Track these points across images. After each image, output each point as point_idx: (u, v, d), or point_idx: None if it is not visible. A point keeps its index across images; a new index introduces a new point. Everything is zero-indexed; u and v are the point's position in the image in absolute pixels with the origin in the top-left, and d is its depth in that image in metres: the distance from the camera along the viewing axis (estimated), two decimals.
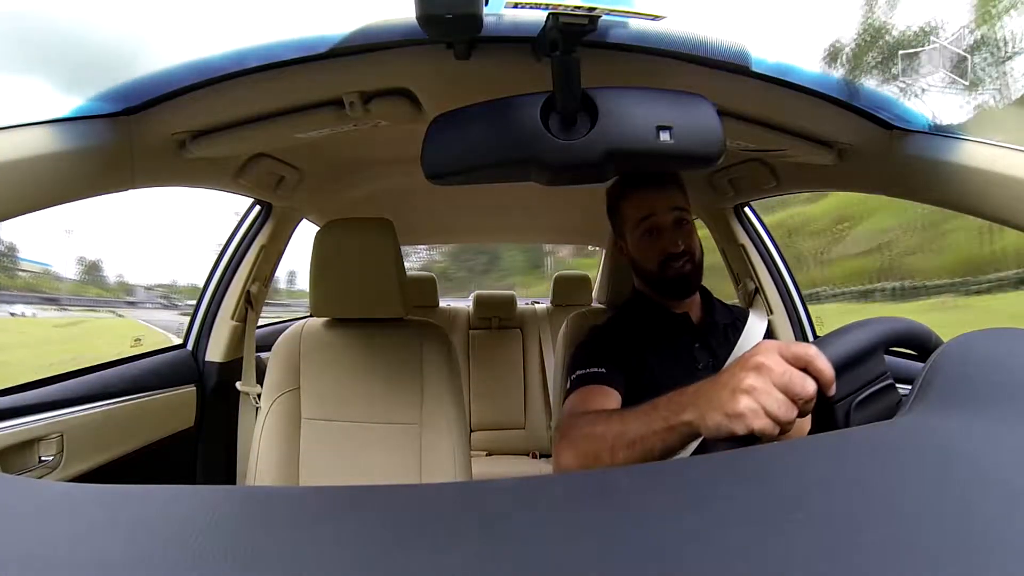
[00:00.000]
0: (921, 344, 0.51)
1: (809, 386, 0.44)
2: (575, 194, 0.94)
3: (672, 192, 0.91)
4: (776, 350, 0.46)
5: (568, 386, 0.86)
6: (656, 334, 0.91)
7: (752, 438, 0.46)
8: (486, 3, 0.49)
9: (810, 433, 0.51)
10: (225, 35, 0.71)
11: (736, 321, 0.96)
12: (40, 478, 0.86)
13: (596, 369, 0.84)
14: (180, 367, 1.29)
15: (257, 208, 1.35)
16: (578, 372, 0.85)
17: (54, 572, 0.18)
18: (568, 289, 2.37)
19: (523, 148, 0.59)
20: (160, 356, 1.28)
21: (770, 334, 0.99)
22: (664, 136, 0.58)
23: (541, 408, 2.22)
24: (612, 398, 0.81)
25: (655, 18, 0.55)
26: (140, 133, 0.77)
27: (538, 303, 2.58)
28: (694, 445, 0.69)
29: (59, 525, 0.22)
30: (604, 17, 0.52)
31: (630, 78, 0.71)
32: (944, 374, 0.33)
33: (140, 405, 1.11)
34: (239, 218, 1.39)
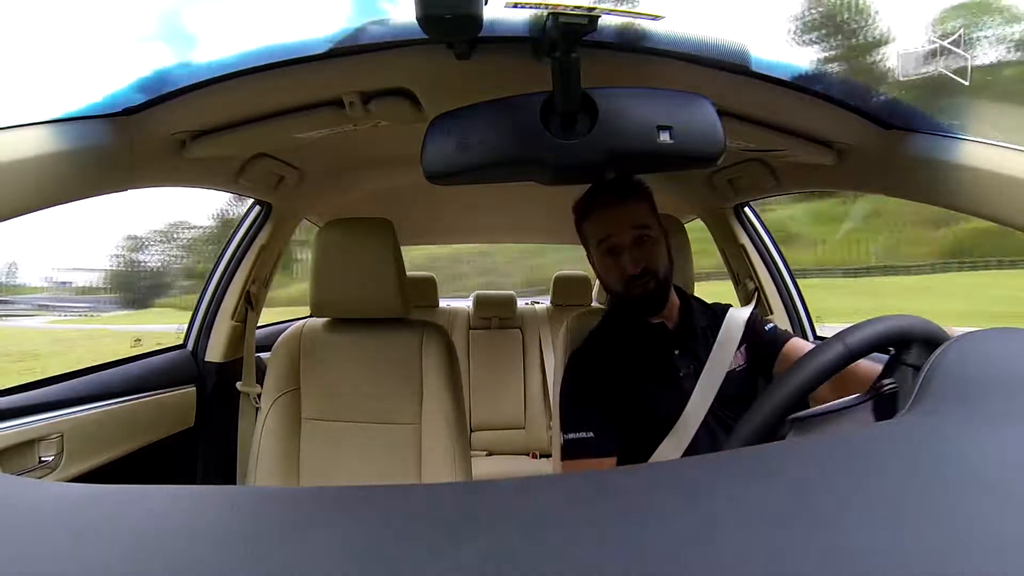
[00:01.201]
0: (927, 340, 0.51)
1: None
2: (575, 194, 0.93)
3: (632, 207, 0.88)
4: None
5: (562, 442, 0.87)
6: (635, 349, 0.91)
7: None
8: (486, 3, 0.49)
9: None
10: (225, 35, 0.71)
11: (717, 321, 0.95)
12: (40, 478, 0.86)
13: (585, 434, 0.84)
14: (180, 367, 1.29)
15: (257, 208, 1.35)
16: (569, 436, 0.86)
17: (54, 572, 0.18)
18: (568, 289, 2.37)
19: (523, 148, 0.59)
20: (160, 356, 1.28)
21: (752, 321, 0.96)
22: (664, 136, 0.58)
23: (541, 408, 2.22)
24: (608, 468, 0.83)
25: (655, 18, 0.55)
26: (140, 133, 0.77)
27: (538, 303, 2.58)
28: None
29: (59, 525, 0.22)
30: (604, 17, 0.52)
31: (630, 78, 0.71)
32: (944, 373, 0.33)
33: (140, 405, 1.11)
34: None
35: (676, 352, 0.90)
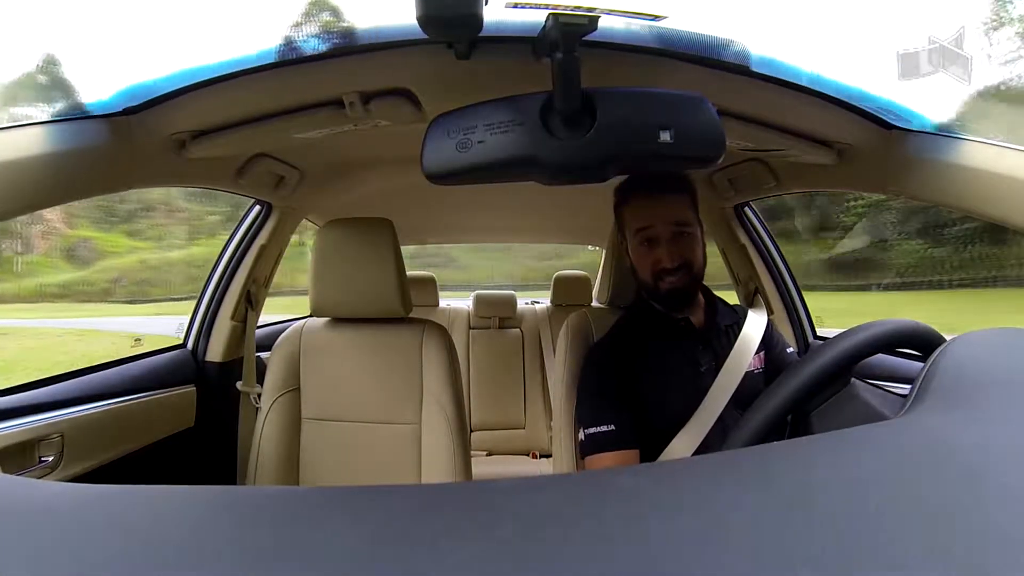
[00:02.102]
0: (923, 343, 0.51)
1: None
2: (575, 194, 0.93)
3: (676, 201, 0.88)
4: None
5: (582, 438, 0.87)
6: (658, 342, 0.91)
7: None
8: (486, 3, 0.49)
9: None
10: (225, 35, 0.71)
11: (739, 321, 0.96)
12: (40, 478, 0.86)
13: (606, 427, 0.84)
14: (180, 367, 1.29)
15: (257, 208, 1.35)
16: (589, 430, 0.86)
17: (54, 572, 0.18)
18: (568, 289, 2.37)
19: (523, 148, 0.59)
20: (160, 356, 1.28)
21: (771, 328, 0.98)
22: (664, 136, 0.58)
23: (541, 408, 2.22)
24: (629, 461, 0.83)
25: (655, 18, 0.55)
26: (140, 133, 0.77)
27: (538, 303, 2.58)
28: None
29: (59, 525, 0.22)
30: (604, 17, 0.52)
31: (630, 78, 0.71)
32: (944, 373, 0.33)
33: (140, 405, 1.11)
34: None
35: (699, 348, 0.90)
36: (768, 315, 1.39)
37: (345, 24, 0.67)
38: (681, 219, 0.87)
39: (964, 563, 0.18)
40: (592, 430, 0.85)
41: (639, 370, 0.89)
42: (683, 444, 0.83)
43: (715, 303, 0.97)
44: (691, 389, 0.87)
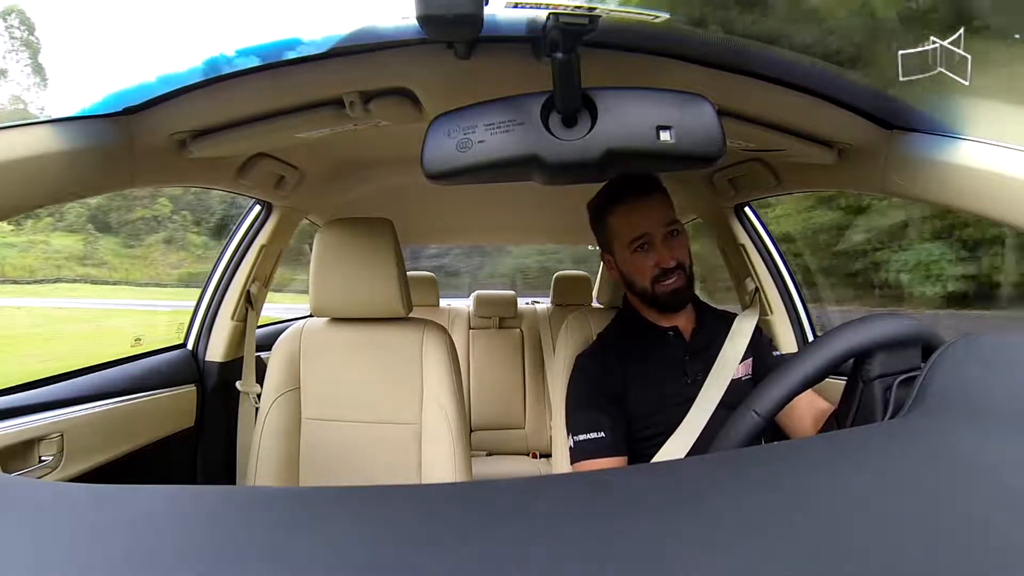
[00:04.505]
0: (923, 344, 0.51)
1: None
2: (575, 194, 0.93)
3: (660, 202, 0.88)
4: None
5: (571, 444, 0.87)
6: (646, 353, 0.91)
7: None
8: (486, 3, 0.49)
9: (836, 408, 0.52)
10: (225, 35, 0.71)
11: (726, 328, 0.95)
12: (40, 478, 0.86)
13: (596, 435, 0.84)
14: (180, 367, 1.29)
15: (258, 208, 1.35)
16: (579, 437, 0.85)
17: (54, 572, 0.18)
18: (568, 289, 2.37)
19: (523, 148, 0.59)
20: (160, 356, 1.28)
21: (759, 334, 0.98)
22: (664, 136, 0.58)
23: (541, 408, 2.22)
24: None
25: (655, 18, 0.55)
26: (140, 133, 0.77)
27: (538, 303, 2.58)
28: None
29: (59, 525, 0.22)
30: (604, 17, 0.52)
31: (630, 78, 0.71)
32: (944, 375, 0.33)
33: (140, 405, 1.11)
34: None
35: (687, 359, 0.90)
36: (768, 315, 1.40)
37: (345, 24, 0.67)
38: (670, 218, 0.88)
39: (962, 564, 0.18)
40: (581, 437, 0.85)
41: (627, 380, 0.88)
42: (670, 455, 0.83)
43: (704, 312, 0.97)
44: (678, 400, 0.86)
